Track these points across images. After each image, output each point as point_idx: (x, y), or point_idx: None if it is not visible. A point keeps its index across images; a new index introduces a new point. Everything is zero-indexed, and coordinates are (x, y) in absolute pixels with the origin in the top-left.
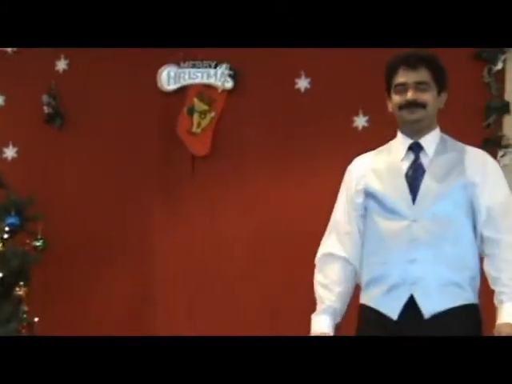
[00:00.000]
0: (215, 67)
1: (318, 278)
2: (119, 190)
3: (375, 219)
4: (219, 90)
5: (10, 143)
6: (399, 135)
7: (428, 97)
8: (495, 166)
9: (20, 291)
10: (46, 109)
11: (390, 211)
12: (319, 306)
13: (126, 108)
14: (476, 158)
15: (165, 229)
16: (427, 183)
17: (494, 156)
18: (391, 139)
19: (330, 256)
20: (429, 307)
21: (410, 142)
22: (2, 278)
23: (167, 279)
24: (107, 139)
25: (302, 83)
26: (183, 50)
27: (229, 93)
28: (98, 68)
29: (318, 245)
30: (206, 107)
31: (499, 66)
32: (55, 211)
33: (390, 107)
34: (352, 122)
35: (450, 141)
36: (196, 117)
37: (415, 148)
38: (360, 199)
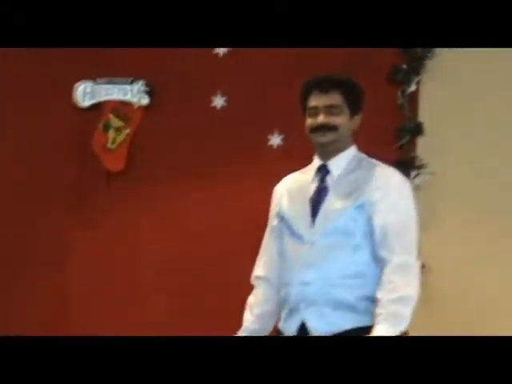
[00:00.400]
0: (131, 83)
1: (249, 298)
2: (34, 205)
3: (286, 241)
4: (135, 107)
5: None
6: (315, 157)
7: (339, 120)
8: (399, 185)
9: None
10: None
11: (295, 234)
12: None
13: (41, 124)
14: (382, 176)
15: (80, 244)
16: (327, 205)
17: (406, 177)
18: (306, 158)
19: (257, 278)
20: (319, 331)
21: (319, 163)
22: None
23: (81, 294)
24: (22, 154)
25: (219, 101)
26: (100, 66)
27: (145, 109)
28: (13, 83)
29: (225, 260)
30: (121, 123)
31: (413, 87)
32: None
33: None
34: (267, 140)
35: (364, 160)
36: (111, 133)
37: (323, 170)
38: (275, 222)
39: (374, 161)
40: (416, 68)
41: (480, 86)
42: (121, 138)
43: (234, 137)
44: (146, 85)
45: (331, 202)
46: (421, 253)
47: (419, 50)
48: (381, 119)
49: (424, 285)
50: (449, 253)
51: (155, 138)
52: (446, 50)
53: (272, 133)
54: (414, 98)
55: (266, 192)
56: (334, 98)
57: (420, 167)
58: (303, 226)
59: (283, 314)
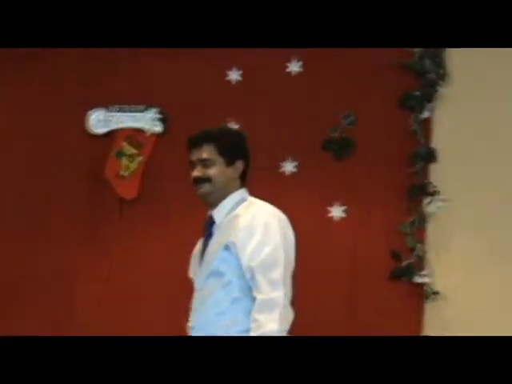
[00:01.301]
0: (144, 111)
1: None
2: (47, 230)
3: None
4: (148, 134)
5: None
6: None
7: (213, 171)
8: (263, 222)
9: None
10: None
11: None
12: None
13: (54, 151)
14: (247, 215)
15: (91, 271)
16: (207, 251)
17: (419, 203)
18: (319, 186)
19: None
20: None
21: (209, 214)
22: None
23: (91, 320)
24: (36, 182)
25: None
26: (113, 93)
27: (158, 137)
28: (27, 110)
29: None
30: (134, 151)
31: (425, 114)
32: None
33: None
34: (279, 167)
35: (245, 202)
36: (124, 160)
37: (210, 219)
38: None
39: (253, 200)
40: (429, 95)
41: (493, 113)
42: (134, 165)
43: None
44: (159, 112)
45: (210, 249)
46: (432, 280)
47: (433, 76)
48: (394, 144)
49: (437, 312)
50: (462, 280)
51: (168, 165)
52: (460, 76)
53: (285, 159)
54: (427, 124)
55: None
56: (207, 152)
57: (433, 194)
58: (195, 274)
59: None
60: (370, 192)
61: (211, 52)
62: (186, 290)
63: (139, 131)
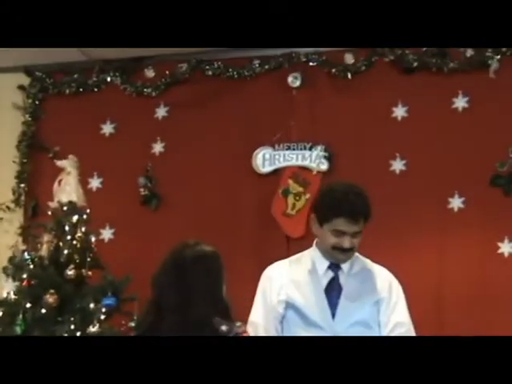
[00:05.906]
0: (310, 149)
1: None
2: None
3: (294, 329)
4: (314, 172)
5: (106, 224)
6: (318, 252)
7: (358, 241)
8: (398, 286)
9: None
10: (142, 190)
11: (312, 324)
12: None
13: (221, 190)
14: (384, 276)
15: None
16: (345, 300)
17: None
18: (486, 222)
19: None
20: None
21: (330, 260)
22: None
23: None
24: (203, 219)
25: (397, 165)
26: (279, 132)
27: (324, 174)
28: (193, 150)
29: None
30: (300, 189)
31: None
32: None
33: (317, 233)
34: (447, 203)
35: (359, 257)
36: (291, 198)
37: (334, 267)
38: (281, 309)
39: (364, 258)
40: None
41: None
42: (300, 203)
43: (413, 200)
44: (325, 150)
45: (348, 298)
46: None
47: None
48: None
49: None
50: None
51: None
52: None
53: (452, 195)
54: None
55: (446, 260)
56: (360, 226)
57: None
58: (323, 317)
59: None
60: None
61: (376, 88)
62: None
63: (305, 169)
